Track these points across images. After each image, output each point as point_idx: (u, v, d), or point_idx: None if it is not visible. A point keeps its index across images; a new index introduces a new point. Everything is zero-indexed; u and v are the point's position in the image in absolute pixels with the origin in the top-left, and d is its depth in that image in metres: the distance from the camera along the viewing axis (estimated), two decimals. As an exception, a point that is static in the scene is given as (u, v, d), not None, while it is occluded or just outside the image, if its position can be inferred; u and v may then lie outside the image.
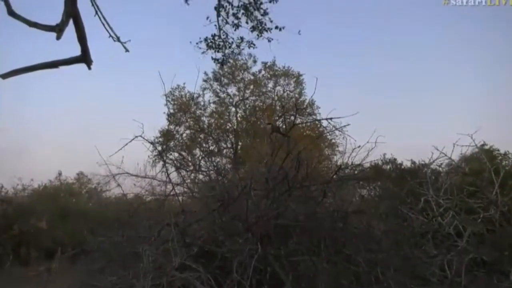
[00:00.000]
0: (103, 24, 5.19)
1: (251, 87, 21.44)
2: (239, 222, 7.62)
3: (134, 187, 14.83)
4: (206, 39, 8.92)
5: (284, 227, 7.60)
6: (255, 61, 21.40)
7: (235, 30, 8.72)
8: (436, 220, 6.87)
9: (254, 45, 9.18)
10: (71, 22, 4.25)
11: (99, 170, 14.14)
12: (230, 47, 9.01)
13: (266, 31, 8.84)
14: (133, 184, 14.97)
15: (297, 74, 21.51)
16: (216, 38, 8.78)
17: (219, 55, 9.16)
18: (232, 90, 21.70)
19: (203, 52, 9.01)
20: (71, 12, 4.19)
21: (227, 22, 8.52)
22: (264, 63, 21.37)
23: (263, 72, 21.63)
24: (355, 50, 31.71)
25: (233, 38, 8.82)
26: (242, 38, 8.98)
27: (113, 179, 14.23)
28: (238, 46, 9.05)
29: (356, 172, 13.72)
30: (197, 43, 9.04)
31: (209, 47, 8.97)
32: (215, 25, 8.64)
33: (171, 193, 15.20)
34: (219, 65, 9.22)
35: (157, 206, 14.13)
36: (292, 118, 17.54)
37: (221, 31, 8.60)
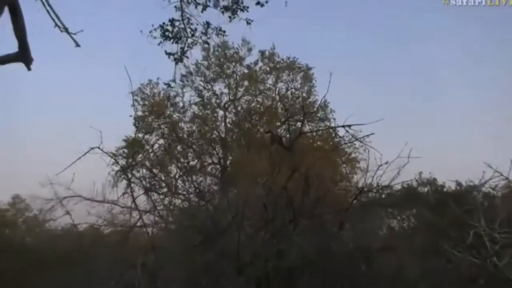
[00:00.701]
0: (48, 12, 5.08)
1: (245, 83, 21.35)
2: (228, 262, 7.53)
3: (88, 216, 14.74)
4: (162, 27, 8.58)
5: (287, 269, 7.51)
6: (250, 50, 21.42)
7: (202, 11, 8.40)
8: (491, 261, 6.81)
9: (223, 32, 8.92)
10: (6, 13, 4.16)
11: (42, 193, 14.01)
12: (193, 36, 8.71)
13: (242, 10, 8.51)
14: (87, 211, 14.90)
15: (305, 67, 21.44)
16: (175, 24, 8.45)
17: (176, 48, 8.78)
18: (220, 87, 21.67)
19: (159, 44, 8.73)
20: None
21: (189, 2, 8.21)
22: (262, 52, 21.36)
23: (260, 64, 21.53)
24: (375, 44, 33.29)
25: (197, 22, 8.51)
26: (208, 24, 8.67)
27: (60, 204, 14.15)
28: (204, 34, 8.74)
29: (383, 196, 13.73)
30: (150, 32, 8.68)
31: (165, 37, 8.64)
32: (176, 6, 8.32)
33: (138, 224, 15.11)
34: (175, 62, 8.94)
35: (119, 240, 14.00)
36: (299, 124, 17.50)
37: (183, 14, 8.29)
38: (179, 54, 8.58)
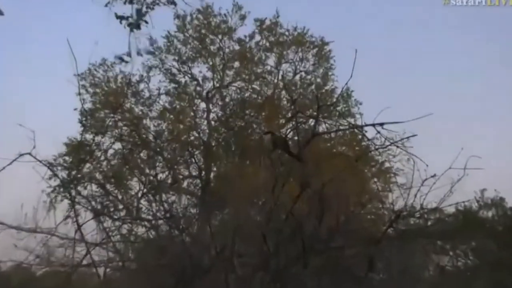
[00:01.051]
0: None
1: (236, 64, 21.38)
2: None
3: (15, 250, 14.72)
4: None
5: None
6: (243, 18, 21.36)
7: None
8: None
9: None
10: None
11: None
12: None
13: None
14: (13, 244, 14.87)
15: (319, 42, 21.47)
16: None
17: (130, 9, 8.82)
18: (201, 69, 21.59)
19: (106, 4, 8.77)
20: None
21: None
22: (260, 21, 21.32)
23: (257, 37, 21.63)
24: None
25: None
26: None
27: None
28: None
29: (429, 222, 13.77)
30: None
31: None
32: None
33: (84, 262, 15.09)
34: (129, 28, 8.99)
35: (59, 284, 13.97)
36: (311, 122, 17.40)
37: None
38: (134, 17, 8.57)
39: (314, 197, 12.11)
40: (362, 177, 16.85)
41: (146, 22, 8.55)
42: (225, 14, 20.58)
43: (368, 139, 15.05)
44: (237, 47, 20.93)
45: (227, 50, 20.91)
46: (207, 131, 20.22)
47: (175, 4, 8.68)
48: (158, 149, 19.62)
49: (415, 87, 39.46)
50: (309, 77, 21.05)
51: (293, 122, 17.81)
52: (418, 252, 15.19)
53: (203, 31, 20.63)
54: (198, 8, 19.51)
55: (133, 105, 19.94)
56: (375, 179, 18.43)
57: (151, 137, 19.74)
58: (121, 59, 13.48)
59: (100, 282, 14.42)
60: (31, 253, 14.48)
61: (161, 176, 19.46)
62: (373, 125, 13.34)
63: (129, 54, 10.82)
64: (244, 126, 20.06)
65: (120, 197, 18.51)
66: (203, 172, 19.63)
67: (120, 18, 8.56)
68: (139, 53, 8.94)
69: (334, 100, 19.38)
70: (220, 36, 20.78)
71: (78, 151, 18.08)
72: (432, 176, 13.19)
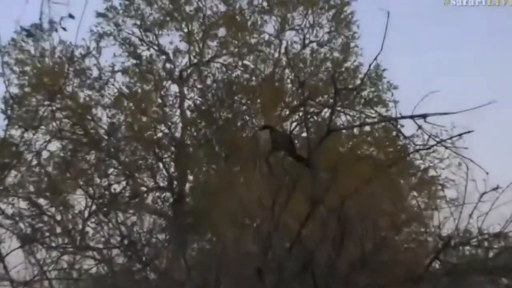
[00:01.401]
0: None
1: (221, 32, 21.44)
2: None
3: None
4: None
5: None
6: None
7: None
8: None
9: None
10: None
11: None
12: None
13: None
14: None
15: (338, 0, 21.50)
16: None
17: None
18: (172, 39, 21.61)
19: None
20: None
21: None
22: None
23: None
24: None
25: None
26: None
27: None
28: None
29: (490, 254, 13.86)
30: None
31: None
32: None
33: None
34: None
35: None
36: (326, 113, 17.45)
37: None
38: None
39: (330, 218, 12.12)
40: (397, 189, 16.87)
41: None
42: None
43: (406, 137, 15.04)
44: (222, 8, 20.96)
45: (208, 12, 20.94)
46: (180, 125, 20.24)
47: None
48: (112, 150, 19.62)
49: (471, 65, 39.04)
50: (323, 50, 21.11)
51: (301, 113, 17.86)
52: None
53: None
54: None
55: (77, 89, 19.93)
56: (415, 193, 18.48)
57: (102, 133, 19.75)
58: (27, 32, 13.56)
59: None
60: None
61: (116, 187, 19.48)
62: (412, 117, 13.31)
63: (39, 27, 10.88)
64: (232, 118, 20.08)
65: (58, 217, 18.51)
66: (175, 183, 19.68)
67: None
68: (52, 27, 8.88)
69: (358, 82, 19.44)
70: (199, -7, 20.82)
71: (0, 153, 18.07)
72: (494, 189, 13.14)
